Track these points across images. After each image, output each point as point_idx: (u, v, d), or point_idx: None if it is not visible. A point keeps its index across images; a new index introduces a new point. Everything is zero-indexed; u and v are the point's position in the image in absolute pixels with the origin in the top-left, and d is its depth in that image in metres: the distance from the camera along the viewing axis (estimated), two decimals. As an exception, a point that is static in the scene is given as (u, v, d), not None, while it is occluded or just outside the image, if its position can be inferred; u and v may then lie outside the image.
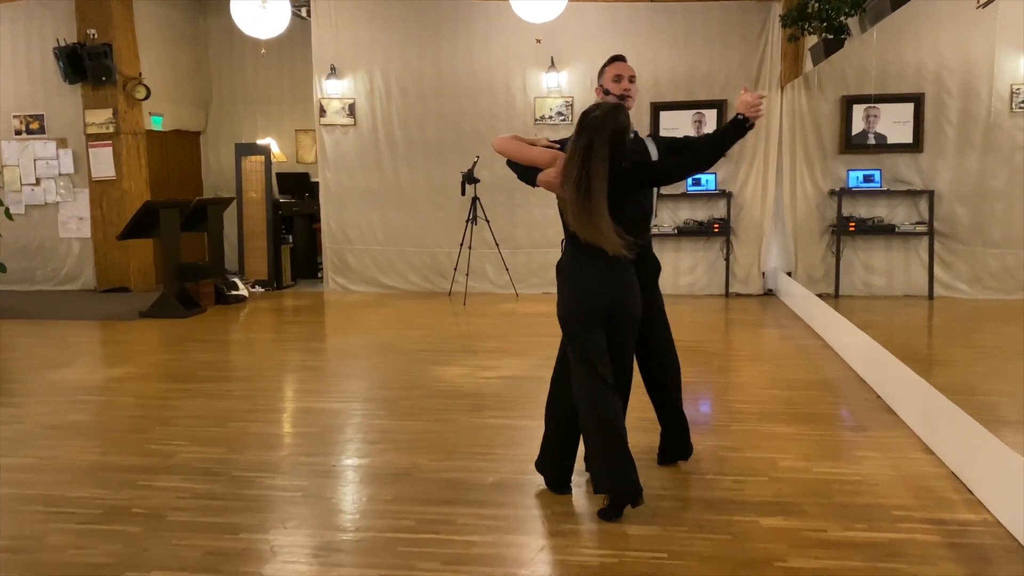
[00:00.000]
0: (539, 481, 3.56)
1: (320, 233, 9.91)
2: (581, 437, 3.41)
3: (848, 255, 8.53)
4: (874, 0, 5.72)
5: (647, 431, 4.00)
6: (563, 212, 3.22)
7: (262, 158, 9.83)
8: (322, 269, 10.01)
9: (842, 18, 6.59)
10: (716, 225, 8.65)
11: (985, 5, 4.77)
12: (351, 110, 9.32)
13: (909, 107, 8.28)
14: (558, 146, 3.34)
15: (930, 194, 8.09)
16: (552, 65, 8.81)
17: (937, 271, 8.08)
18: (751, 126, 3.21)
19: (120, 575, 2.81)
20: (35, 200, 9.89)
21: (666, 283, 8.98)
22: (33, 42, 9.61)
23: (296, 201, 10.33)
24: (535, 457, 3.68)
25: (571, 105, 8.89)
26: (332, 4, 9.21)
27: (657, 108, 8.74)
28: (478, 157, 8.61)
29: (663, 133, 8.76)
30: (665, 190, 8.78)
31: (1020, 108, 6.84)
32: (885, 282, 8.70)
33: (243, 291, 8.98)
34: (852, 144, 8.54)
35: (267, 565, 2.87)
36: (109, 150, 9.59)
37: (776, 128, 8.63)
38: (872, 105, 8.50)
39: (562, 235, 3.36)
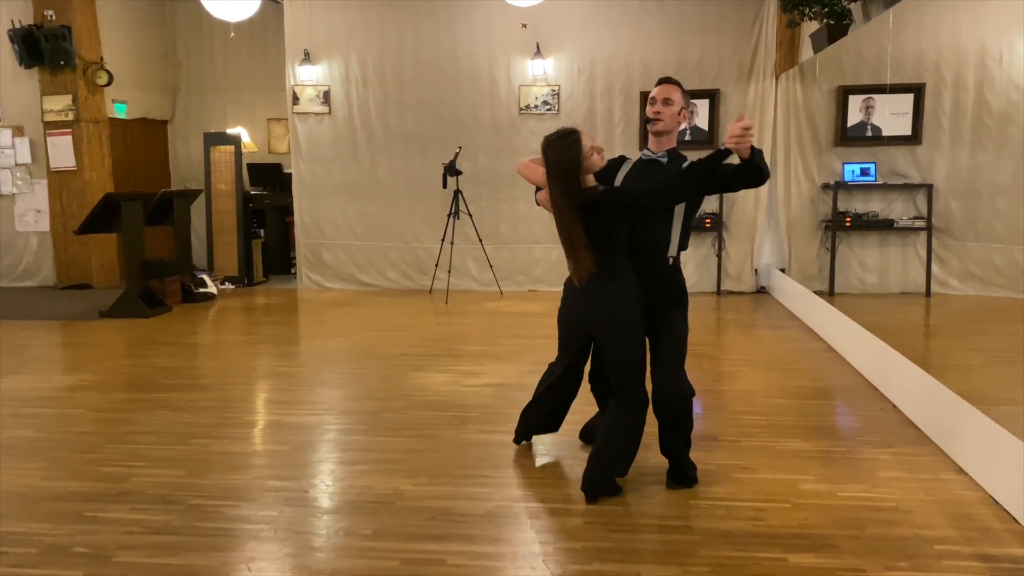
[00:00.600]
0: (537, 510, 3.19)
1: (293, 227, 9.46)
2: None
3: (843, 251, 8.25)
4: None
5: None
6: None
7: (232, 148, 9.34)
8: (295, 264, 9.56)
9: (844, 2, 6.25)
10: (708, 220, 8.31)
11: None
12: (326, 98, 8.86)
13: (908, 98, 8.00)
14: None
15: (928, 188, 7.81)
16: (538, 51, 8.40)
17: (934, 267, 7.83)
18: (725, 155, 3.19)
19: (53, 635, 2.40)
20: (-10, 192, 9.35)
21: (655, 280, 8.66)
22: (-14, 24, 9.05)
23: (268, 193, 9.86)
24: (528, 479, 3.32)
25: (557, 94, 8.50)
26: (306, -14, 8.74)
27: (646, 97, 8.35)
28: (460, 148, 8.21)
29: (653, 124, 8.40)
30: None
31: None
32: (880, 279, 8.43)
33: (212, 288, 8.51)
34: (848, 136, 8.24)
35: (227, 620, 2.47)
36: (69, 139, 9.06)
37: (770, 120, 8.30)
38: (869, 96, 8.20)
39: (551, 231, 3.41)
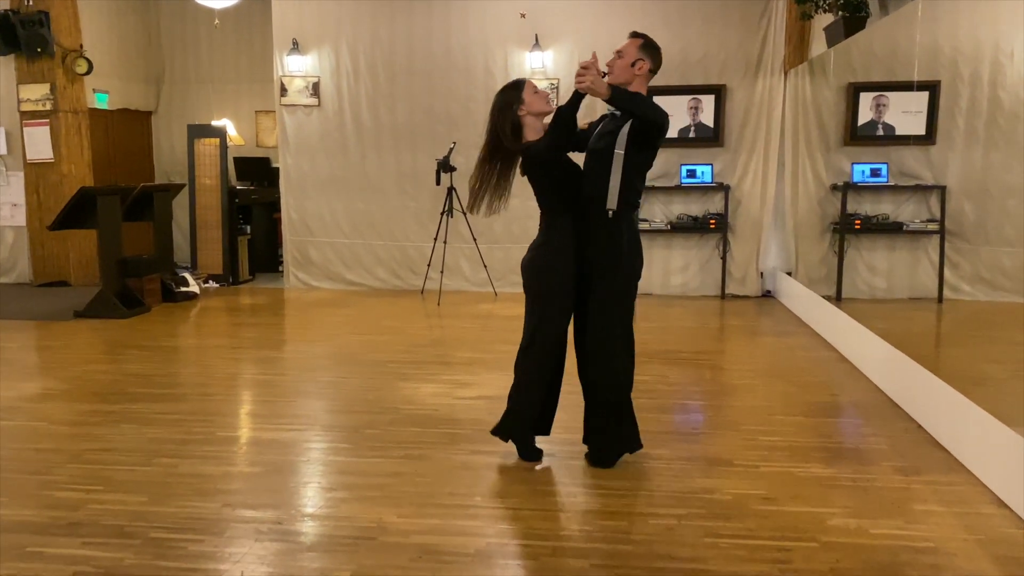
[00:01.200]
0: (535, 549, 2.86)
1: (280, 223, 9.10)
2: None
3: (851, 255, 7.94)
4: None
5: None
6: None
7: (217, 141, 8.97)
8: (282, 262, 9.20)
9: (863, -7, 5.93)
10: (712, 221, 7.98)
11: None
12: (315, 89, 8.50)
13: (923, 96, 7.68)
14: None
15: (942, 190, 7.50)
16: (536, 43, 8.05)
17: (945, 272, 7.52)
18: (579, 96, 3.28)
19: None
20: (-37, 184, 8.96)
21: (655, 283, 8.34)
22: (-42, 8, 8.66)
23: (255, 188, 9.48)
24: (524, 510, 3.03)
25: (557, 88, 8.14)
26: (294, -28, 8.37)
27: (649, 92, 7.94)
28: (454, 143, 7.85)
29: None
30: (657, 182, 8.11)
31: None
32: (888, 284, 8.12)
33: (194, 287, 8.14)
34: (858, 135, 7.92)
35: None
36: (46, 129, 8.68)
37: (778, 117, 7.97)
38: (881, 94, 7.88)
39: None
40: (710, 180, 8.03)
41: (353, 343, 6.18)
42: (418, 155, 8.41)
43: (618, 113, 3.44)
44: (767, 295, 8.21)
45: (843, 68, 7.77)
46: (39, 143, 8.72)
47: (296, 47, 8.42)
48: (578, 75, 3.19)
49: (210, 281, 8.86)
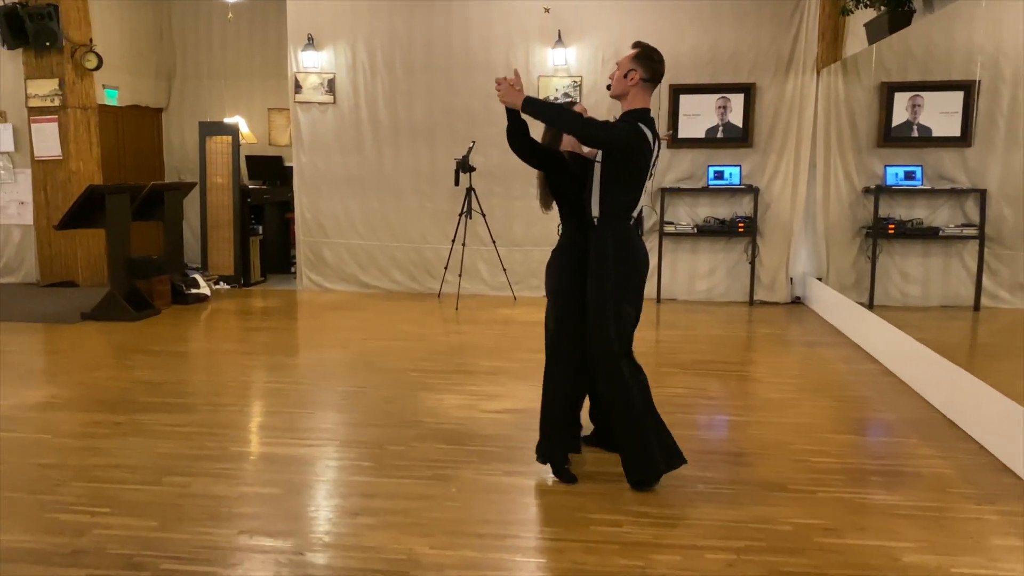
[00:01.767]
0: (583, 587, 2.60)
1: (293, 224, 8.86)
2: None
3: (882, 260, 7.65)
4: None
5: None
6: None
7: (229, 139, 8.73)
8: (295, 263, 8.96)
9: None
10: (741, 224, 7.70)
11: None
12: (330, 86, 8.25)
13: (958, 96, 7.39)
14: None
15: (982, 193, 7.21)
16: (559, 40, 7.79)
17: (983, 279, 7.23)
18: (513, 112, 3.41)
19: None
20: (-31, 181, 8.75)
21: (680, 288, 8.07)
22: (-34, 1, 8.44)
23: (267, 187, 9.24)
24: (565, 543, 2.79)
25: (579, 85, 7.89)
26: (310, -35, 8.13)
27: (677, 91, 7.76)
28: (473, 143, 7.59)
29: (683, 119, 7.82)
30: (683, 184, 7.84)
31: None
32: (922, 291, 7.83)
33: (204, 289, 7.91)
34: (892, 137, 7.63)
35: None
36: (54, 126, 8.46)
37: (810, 117, 7.68)
38: (917, 94, 7.59)
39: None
40: (738, 182, 7.75)
41: (370, 349, 5.93)
42: (436, 154, 8.15)
43: (656, 129, 3.50)
44: (796, 301, 7.93)
45: (877, 67, 7.49)
46: (47, 140, 8.50)
47: (311, 43, 8.18)
48: (496, 89, 3.43)
49: (221, 283, 8.62)
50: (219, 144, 8.74)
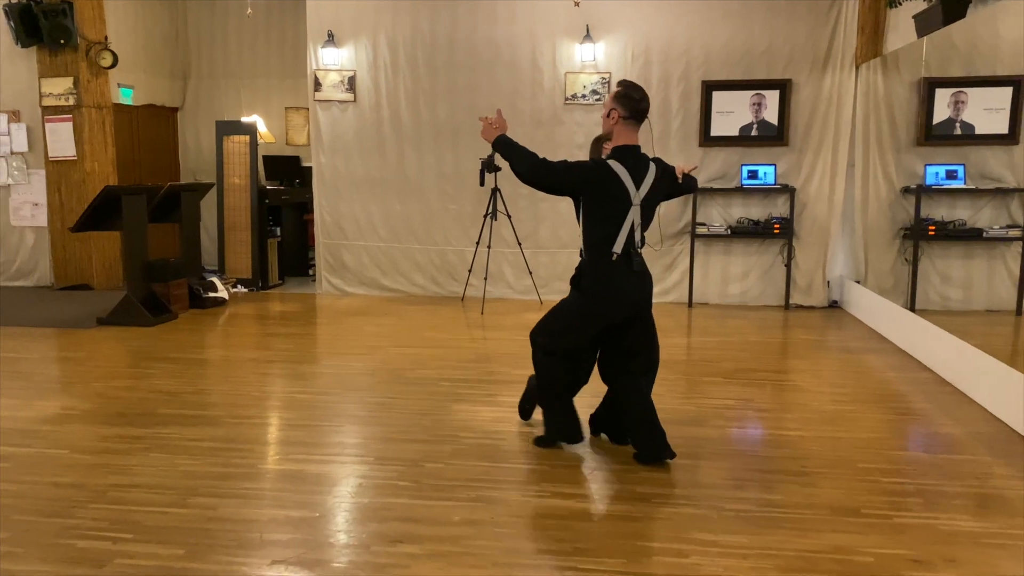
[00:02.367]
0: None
1: (312, 225, 8.64)
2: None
3: (923, 263, 7.37)
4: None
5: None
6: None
7: (247, 138, 8.52)
8: (314, 266, 8.74)
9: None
10: (777, 225, 7.43)
11: None
12: (351, 84, 8.03)
13: (1005, 92, 7.10)
14: None
15: (1031, 193, 6.92)
16: (587, 35, 7.54)
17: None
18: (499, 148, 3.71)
19: None
20: (-18, 182, 8.58)
21: (712, 292, 7.80)
22: (-21, -2, 8.27)
23: (285, 188, 9.03)
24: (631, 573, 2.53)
25: (607, 83, 7.63)
26: (330, -40, 7.90)
27: (709, 88, 7.49)
28: (500, 141, 7.33)
29: (716, 116, 7.55)
30: (715, 184, 7.59)
31: None
32: (964, 295, 7.54)
33: (222, 293, 7.69)
34: (933, 134, 7.35)
35: None
36: (69, 125, 8.27)
37: (848, 114, 7.40)
38: (960, 90, 7.30)
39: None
40: (773, 182, 7.48)
41: (396, 357, 5.69)
42: (460, 154, 7.92)
43: (646, 164, 3.62)
44: (833, 305, 7.65)
45: (919, 62, 7.21)
46: (61, 140, 8.31)
47: (331, 39, 7.96)
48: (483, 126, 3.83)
49: (238, 286, 8.41)
50: (237, 144, 8.53)
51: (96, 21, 8.24)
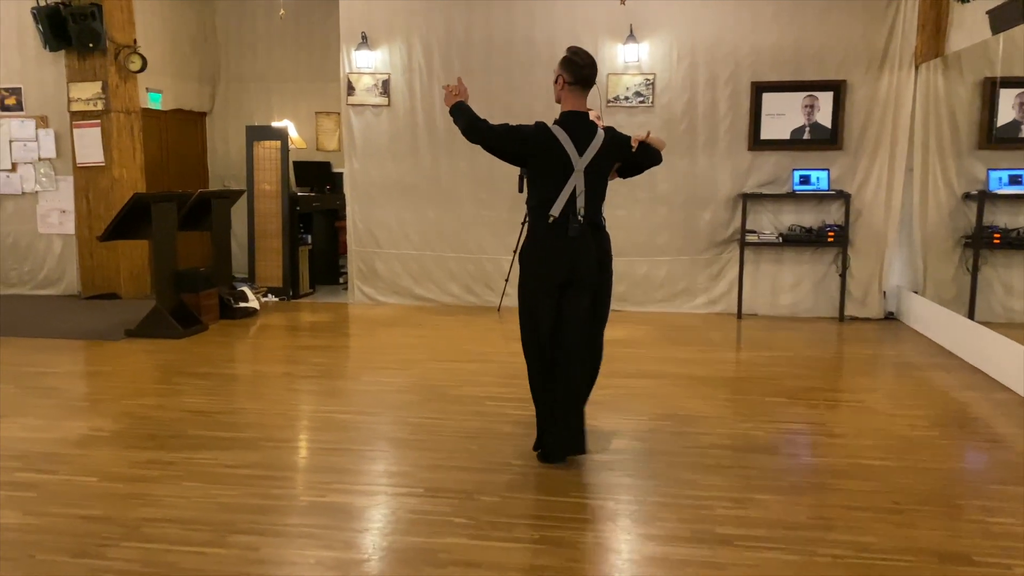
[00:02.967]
0: None
1: (344, 233, 8.40)
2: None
3: (985, 272, 6.98)
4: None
5: None
6: None
7: (278, 144, 8.30)
8: (345, 275, 8.50)
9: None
10: (831, 233, 7.08)
11: None
12: (385, 87, 7.78)
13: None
14: None
15: (1102, 200, 6.53)
16: (631, 35, 7.24)
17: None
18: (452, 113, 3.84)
19: None
20: (10, 189, 8.42)
21: (761, 302, 7.44)
22: (7, 1, 8.11)
23: (316, 195, 8.80)
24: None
25: (652, 84, 7.33)
26: (364, -41, 7.66)
27: (759, 89, 7.17)
28: (539, 146, 7.05)
29: (766, 119, 7.22)
30: (766, 189, 7.26)
31: None
32: (1024, 306, 7.14)
33: (253, 303, 7.46)
34: (997, 138, 6.96)
35: None
36: (97, 131, 8.09)
37: (906, 117, 7.04)
38: (1026, 90, 6.92)
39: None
40: (826, 187, 7.13)
41: (435, 372, 5.42)
42: (495, 160, 7.44)
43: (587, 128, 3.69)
44: (889, 317, 7.28)
45: (985, 61, 6.84)
46: (89, 146, 8.14)
47: (365, 41, 7.72)
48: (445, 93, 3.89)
49: (269, 295, 8.19)
50: (267, 149, 8.31)
51: (125, 24, 8.07)
